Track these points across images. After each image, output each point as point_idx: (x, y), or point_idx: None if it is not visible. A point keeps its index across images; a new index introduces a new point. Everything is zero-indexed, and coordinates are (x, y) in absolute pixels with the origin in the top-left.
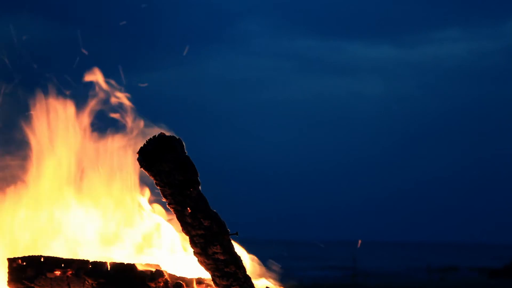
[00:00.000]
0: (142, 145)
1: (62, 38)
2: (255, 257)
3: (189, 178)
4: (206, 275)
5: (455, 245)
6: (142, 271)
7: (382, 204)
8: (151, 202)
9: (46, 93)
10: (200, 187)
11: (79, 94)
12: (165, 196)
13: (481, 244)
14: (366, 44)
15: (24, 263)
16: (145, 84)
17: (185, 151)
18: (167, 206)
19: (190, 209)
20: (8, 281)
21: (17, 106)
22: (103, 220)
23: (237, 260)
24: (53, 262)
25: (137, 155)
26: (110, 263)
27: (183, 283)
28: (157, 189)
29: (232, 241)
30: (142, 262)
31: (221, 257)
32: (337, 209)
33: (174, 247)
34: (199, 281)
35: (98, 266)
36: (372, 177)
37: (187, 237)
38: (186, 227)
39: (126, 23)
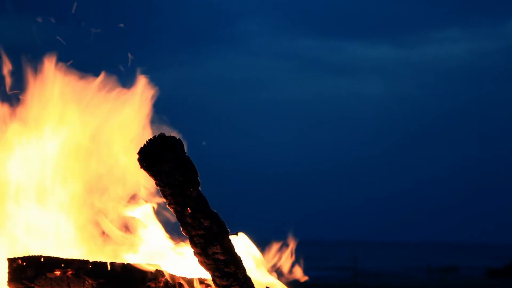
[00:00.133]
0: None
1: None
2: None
3: (189, 178)
4: (207, 275)
5: (455, 245)
6: (142, 271)
7: (382, 204)
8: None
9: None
10: (200, 187)
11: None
12: (165, 197)
13: (481, 244)
14: (366, 44)
15: (24, 263)
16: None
17: (185, 151)
18: (167, 206)
19: (190, 209)
20: (8, 281)
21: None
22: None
23: (237, 260)
24: (53, 262)
25: (137, 155)
26: (110, 263)
27: (183, 283)
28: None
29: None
30: (142, 262)
31: (221, 257)
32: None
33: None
34: (199, 281)
35: (98, 266)
36: (372, 177)
37: (188, 237)
38: (186, 227)
39: (127, 22)
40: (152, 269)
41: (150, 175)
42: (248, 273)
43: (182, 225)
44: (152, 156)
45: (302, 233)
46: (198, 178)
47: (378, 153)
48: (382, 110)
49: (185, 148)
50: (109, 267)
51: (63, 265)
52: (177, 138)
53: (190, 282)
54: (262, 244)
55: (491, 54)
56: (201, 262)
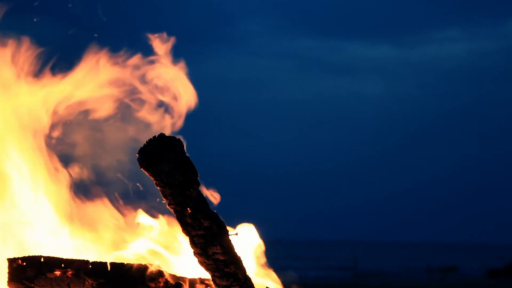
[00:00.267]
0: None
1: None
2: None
3: (189, 179)
4: (207, 275)
5: (455, 245)
6: (142, 271)
7: (382, 204)
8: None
9: None
10: (200, 188)
11: None
12: (165, 197)
13: (481, 244)
14: (366, 44)
15: (24, 263)
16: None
17: (185, 151)
18: (167, 206)
19: (190, 209)
20: (8, 281)
21: None
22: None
23: (237, 260)
24: (53, 262)
25: (137, 155)
26: (110, 263)
27: (183, 283)
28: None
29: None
30: (142, 262)
31: (221, 258)
32: (337, 209)
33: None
34: (199, 281)
35: (98, 266)
36: (372, 177)
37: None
38: (186, 228)
39: (128, 23)
40: (152, 269)
41: (150, 175)
42: (248, 273)
43: (182, 225)
44: (152, 156)
45: (302, 233)
46: (198, 178)
47: (378, 153)
48: (382, 110)
49: (185, 148)
50: (109, 267)
51: (63, 265)
52: (177, 138)
53: (190, 282)
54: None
55: (491, 54)
56: (201, 262)
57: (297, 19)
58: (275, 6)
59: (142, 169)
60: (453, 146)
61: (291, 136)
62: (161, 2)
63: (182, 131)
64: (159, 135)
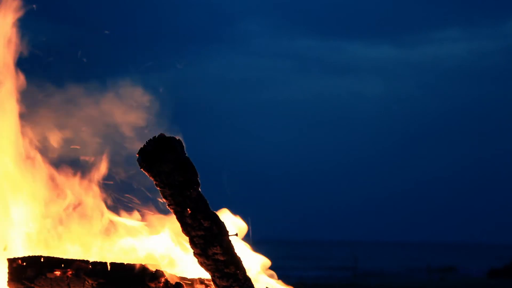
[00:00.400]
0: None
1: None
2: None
3: (189, 179)
4: (206, 276)
5: (455, 245)
6: (142, 271)
7: (382, 204)
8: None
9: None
10: (200, 188)
11: None
12: (165, 197)
13: (481, 244)
14: (366, 44)
15: (24, 263)
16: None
17: (185, 151)
18: (167, 207)
19: (190, 210)
20: (8, 281)
21: None
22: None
23: (237, 261)
24: (53, 262)
25: (137, 156)
26: (110, 263)
27: (183, 283)
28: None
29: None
30: (142, 262)
31: (221, 258)
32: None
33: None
34: (199, 282)
35: (98, 266)
36: (372, 177)
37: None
38: (186, 228)
39: (127, 23)
40: (152, 269)
41: (150, 176)
42: (248, 273)
43: (182, 225)
44: (152, 157)
45: (302, 233)
46: (198, 178)
47: (378, 153)
48: (382, 110)
49: (185, 148)
50: (109, 267)
51: (63, 265)
52: (177, 138)
53: (190, 282)
54: (262, 244)
55: (491, 54)
56: (201, 263)
57: (297, 19)
58: (275, 6)
59: (142, 169)
60: (453, 146)
61: (291, 136)
62: (161, 2)
63: (182, 131)
64: (159, 135)
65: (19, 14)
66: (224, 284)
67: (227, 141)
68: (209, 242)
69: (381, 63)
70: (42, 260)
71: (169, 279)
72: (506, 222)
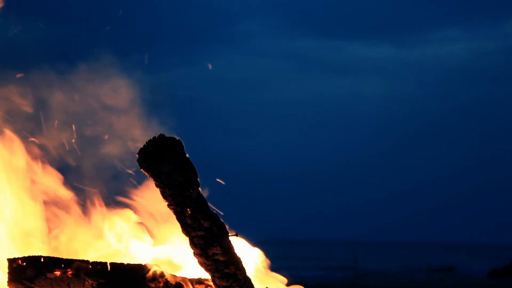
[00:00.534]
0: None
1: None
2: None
3: (189, 179)
4: (206, 276)
5: (455, 245)
6: (142, 271)
7: (382, 204)
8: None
9: None
10: (200, 188)
11: None
12: (165, 197)
13: (481, 244)
14: (366, 44)
15: (24, 263)
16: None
17: (185, 152)
18: (167, 207)
19: (190, 210)
20: (8, 281)
21: None
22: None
23: (237, 261)
24: (53, 262)
25: (137, 156)
26: (110, 263)
27: (183, 283)
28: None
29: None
30: (143, 262)
31: (221, 258)
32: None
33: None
34: (199, 282)
35: (98, 266)
36: (372, 177)
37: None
38: (186, 228)
39: (127, 23)
40: (152, 269)
41: (150, 176)
42: (248, 273)
43: (182, 226)
44: (152, 157)
45: (302, 233)
46: (198, 179)
47: (378, 153)
48: (382, 110)
49: (185, 148)
50: (109, 267)
51: (63, 265)
52: (177, 139)
53: (189, 282)
54: (262, 244)
55: (491, 54)
56: (201, 263)
57: (297, 19)
58: (275, 6)
59: (142, 170)
60: (453, 146)
61: (291, 136)
62: (161, 2)
63: (181, 131)
64: (158, 136)
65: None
66: (224, 284)
67: (227, 141)
68: (209, 243)
69: (381, 63)
70: (42, 260)
71: (169, 279)
72: (506, 222)
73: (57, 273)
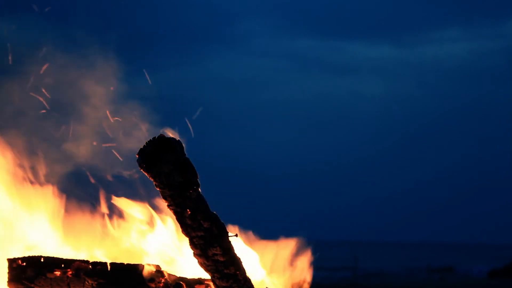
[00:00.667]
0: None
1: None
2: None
3: (189, 180)
4: (206, 276)
5: (455, 245)
6: (142, 271)
7: (382, 204)
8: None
9: None
10: (200, 189)
11: None
12: (164, 198)
13: (481, 244)
14: (366, 44)
15: (24, 263)
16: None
17: (185, 152)
18: (167, 207)
19: (190, 210)
20: (8, 281)
21: None
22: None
23: (237, 261)
24: (53, 262)
25: (137, 156)
26: (110, 263)
27: (183, 283)
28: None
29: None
30: (142, 262)
31: (221, 259)
32: (337, 209)
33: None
34: (199, 282)
35: (98, 266)
36: (372, 177)
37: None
38: (186, 229)
39: (127, 23)
40: (152, 269)
41: (149, 177)
42: (248, 274)
43: (182, 226)
44: (152, 157)
45: (302, 233)
46: (198, 179)
47: (378, 153)
48: (382, 110)
49: (184, 149)
50: (109, 267)
51: (63, 265)
52: (177, 139)
53: (190, 282)
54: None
55: (491, 54)
56: (201, 264)
57: (297, 19)
58: (275, 6)
59: (141, 170)
60: (453, 146)
61: (291, 136)
62: (161, 2)
63: (181, 131)
64: (158, 136)
65: None
66: (224, 284)
67: (227, 141)
68: (209, 243)
69: (381, 63)
70: (42, 260)
71: (168, 279)
72: (506, 222)
73: (57, 273)
